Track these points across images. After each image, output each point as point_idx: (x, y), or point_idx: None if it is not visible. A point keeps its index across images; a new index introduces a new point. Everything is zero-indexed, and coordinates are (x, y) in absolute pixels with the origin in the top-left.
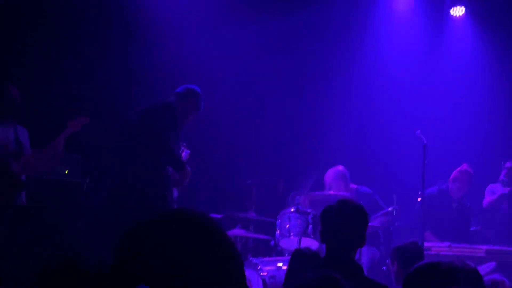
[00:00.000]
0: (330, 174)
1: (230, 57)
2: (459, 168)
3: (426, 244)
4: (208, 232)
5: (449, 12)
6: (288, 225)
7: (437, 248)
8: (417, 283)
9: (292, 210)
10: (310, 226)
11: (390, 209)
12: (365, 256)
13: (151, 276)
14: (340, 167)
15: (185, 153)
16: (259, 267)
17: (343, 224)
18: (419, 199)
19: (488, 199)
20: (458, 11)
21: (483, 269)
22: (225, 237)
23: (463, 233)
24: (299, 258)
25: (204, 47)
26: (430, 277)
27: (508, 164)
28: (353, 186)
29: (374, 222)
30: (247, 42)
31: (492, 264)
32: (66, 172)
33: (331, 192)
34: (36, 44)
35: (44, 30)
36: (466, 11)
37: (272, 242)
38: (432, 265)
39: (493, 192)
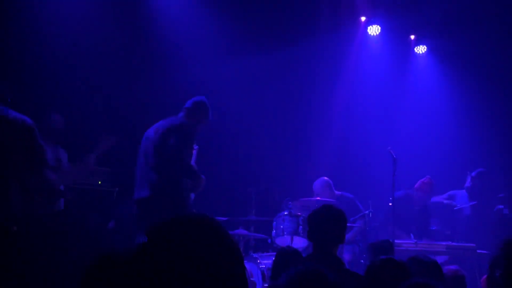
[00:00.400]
0: (317, 184)
1: (233, 84)
2: (422, 179)
3: (396, 241)
4: (215, 232)
5: (414, 50)
6: (282, 226)
7: (405, 244)
8: (377, 273)
9: (286, 213)
10: (301, 226)
11: (366, 212)
12: (346, 251)
13: (168, 266)
14: (325, 178)
15: (194, 150)
16: (258, 261)
17: (326, 225)
18: (390, 204)
19: (435, 199)
20: (421, 49)
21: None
22: (229, 237)
23: (424, 230)
24: (283, 255)
25: (214, 74)
26: (387, 269)
27: (473, 174)
28: (338, 192)
29: (355, 223)
30: (248, 71)
31: (445, 257)
32: (100, 183)
33: (318, 198)
34: (73, 72)
35: (79, 59)
36: (427, 49)
37: (269, 240)
38: (387, 260)
39: (451, 196)
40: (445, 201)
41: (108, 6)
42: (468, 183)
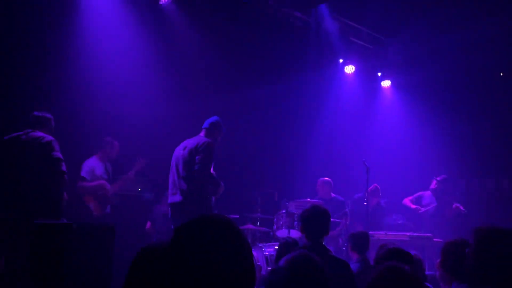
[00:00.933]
0: (320, 181)
1: (240, 111)
2: (370, 187)
3: (370, 232)
4: (230, 228)
5: (380, 84)
6: (281, 222)
7: (377, 235)
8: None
9: (284, 211)
10: (295, 222)
11: (347, 210)
12: (332, 241)
13: (194, 255)
14: (326, 178)
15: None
16: (263, 249)
17: (313, 220)
18: (365, 203)
19: (408, 203)
20: (386, 83)
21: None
22: (240, 231)
23: (377, 225)
24: (285, 244)
25: (226, 101)
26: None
27: (439, 178)
28: (333, 194)
29: (341, 220)
30: (253, 99)
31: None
32: (139, 190)
33: (308, 199)
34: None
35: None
36: (391, 83)
37: (271, 233)
38: (394, 249)
39: (420, 196)
40: (412, 207)
41: (148, 55)
42: (433, 185)
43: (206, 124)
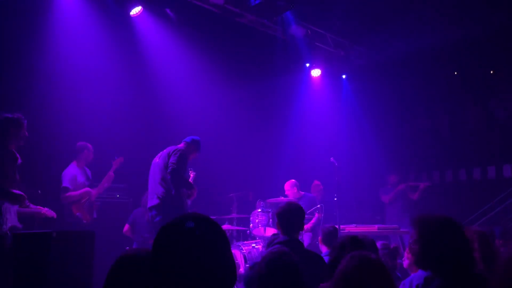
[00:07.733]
0: (287, 184)
1: (213, 115)
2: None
3: (341, 226)
4: (213, 224)
5: (345, 86)
6: (257, 220)
7: (348, 228)
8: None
9: (259, 210)
10: (270, 220)
11: (319, 206)
12: (306, 235)
13: (180, 250)
14: (293, 180)
15: (192, 175)
16: (241, 247)
17: (288, 217)
18: (335, 199)
19: (386, 198)
20: (350, 85)
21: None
22: (221, 229)
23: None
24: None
25: (199, 105)
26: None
27: (393, 175)
28: (302, 192)
29: (313, 216)
30: (227, 103)
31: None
32: (118, 196)
33: (281, 198)
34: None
35: None
36: (356, 85)
37: (248, 231)
38: (351, 237)
39: (384, 192)
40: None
41: (122, 62)
42: (391, 180)
43: (188, 138)
